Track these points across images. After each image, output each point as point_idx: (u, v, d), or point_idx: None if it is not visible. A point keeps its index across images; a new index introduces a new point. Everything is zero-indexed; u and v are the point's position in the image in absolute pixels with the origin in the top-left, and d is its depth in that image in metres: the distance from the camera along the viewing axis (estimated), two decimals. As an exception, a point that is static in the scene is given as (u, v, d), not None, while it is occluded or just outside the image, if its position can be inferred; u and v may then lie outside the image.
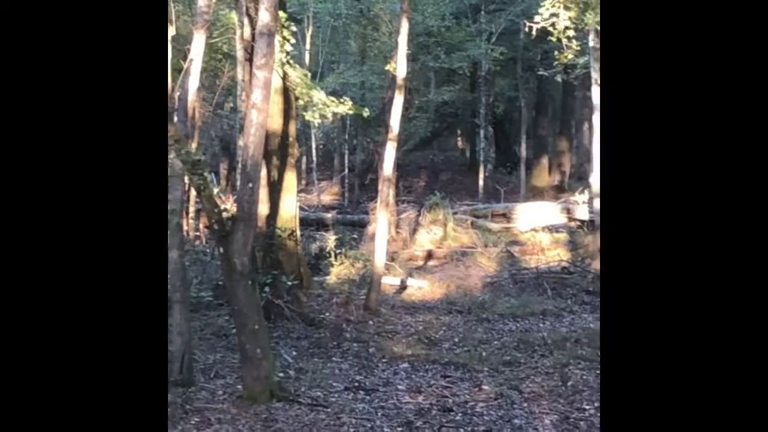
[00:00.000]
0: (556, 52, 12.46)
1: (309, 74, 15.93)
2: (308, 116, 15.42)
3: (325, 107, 14.86)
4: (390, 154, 15.51)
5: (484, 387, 10.65)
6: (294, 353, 11.72)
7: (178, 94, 10.25)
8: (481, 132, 30.21)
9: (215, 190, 10.18)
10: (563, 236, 21.88)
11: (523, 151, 30.22)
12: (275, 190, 15.18)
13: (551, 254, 19.96)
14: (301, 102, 15.40)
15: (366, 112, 15.97)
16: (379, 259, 15.37)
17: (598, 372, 9.90)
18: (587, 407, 9.64)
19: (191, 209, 20.30)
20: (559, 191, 29.43)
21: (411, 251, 21.00)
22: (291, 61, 14.88)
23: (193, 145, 10.39)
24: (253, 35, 11.29)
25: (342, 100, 15.13)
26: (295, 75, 14.75)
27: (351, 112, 15.75)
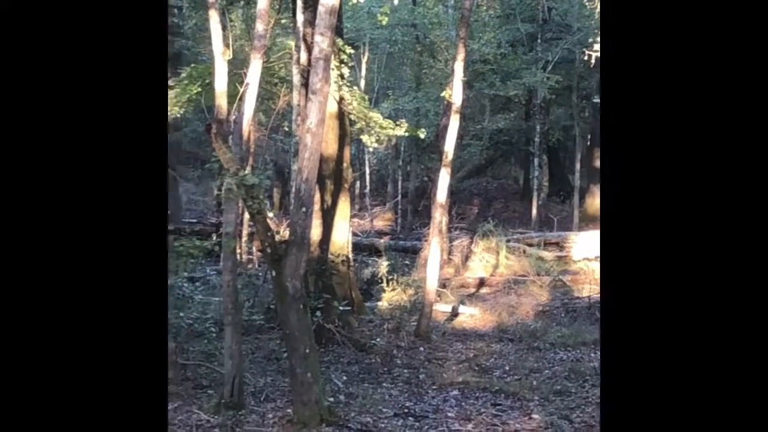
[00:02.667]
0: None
1: (366, 97, 15.98)
2: (365, 139, 15.46)
3: (382, 130, 14.88)
4: (444, 180, 15.49)
5: (535, 416, 10.58)
6: (344, 378, 11.72)
7: (233, 118, 10.32)
8: (535, 160, 30.12)
9: (269, 214, 10.23)
10: (616, 266, 21.66)
11: (577, 180, 30.07)
12: (328, 214, 15.22)
13: (604, 284, 19.72)
14: (358, 125, 15.45)
15: (422, 134, 15.99)
16: (431, 286, 15.34)
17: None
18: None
19: (244, 232, 20.38)
20: (612, 220, 29.19)
21: (463, 278, 20.91)
22: (348, 84, 14.94)
23: (248, 169, 10.44)
24: (309, 60, 11.34)
25: (398, 123, 15.15)
26: (352, 97, 14.79)
27: (407, 134, 15.76)
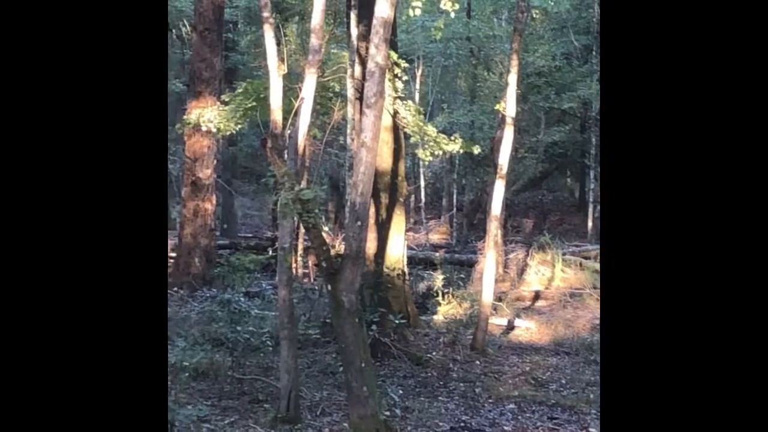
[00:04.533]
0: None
1: (421, 109, 15.96)
2: (420, 153, 15.45)
3: (436, 144, 14.85)
4: (499, 192, 15.45)
5: (592, 430, 10.52)
6: (400, 392, 11.69)
7: (288, 132, 10.36)
8: (591, 173, 29.97)
9: (324, 228, 10.25)
10: (673, 278, 21.44)
11: (633, 192, 29.81)
12: (383, 228, 15.22)
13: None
14: (413, 139, 15.44)
15: (477, 149, 15.93)
16: (487, 299, 15.29)
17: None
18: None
19: (300, 246, 20.44)
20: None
21: (519, 292, 20.83)
22: (402, 96, 14.94)
23: (303, 183, 10.48)
24: (363, 74, 11.37)
25: (453, 138, 15.11)
26: (407, 111, 14.79)
27: (462, 150, 15.72)
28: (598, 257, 23.10)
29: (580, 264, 22.41)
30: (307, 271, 21.31)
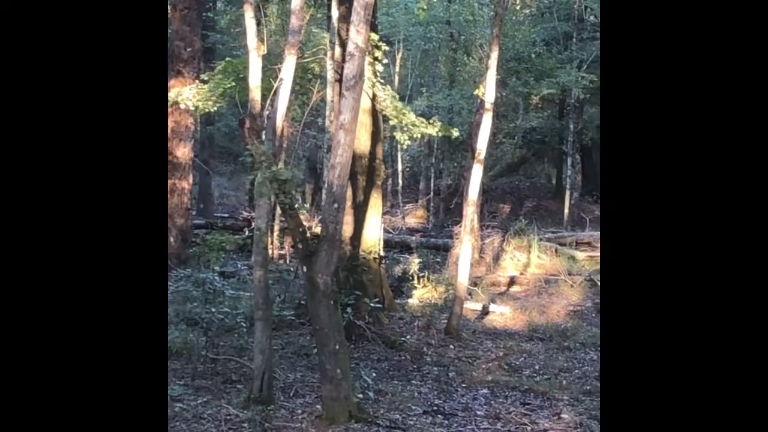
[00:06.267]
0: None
1: (397, 96, 15.92)
2: (398, 136, 15.41)
3: (414, 128, 14.82)
4: (476, 177, 15.45)
5: (564, 416, 10.54)
6: (374, 375, 11.70)
7: (267, 113, 10.33)
8: (569, 159, 30.01)
9: (301, 210, 10.23)
10: (648, 266, 21.48)
11: (610, 180, 29.83)
12: (360, 211, 15.21)
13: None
14: (390, 123, 15.41)
15: (455, 133, 15.91)
16: (462, 284, 15.30)
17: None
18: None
19: (276, 227, 20.40)
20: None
21: (494, 277, 20.87)
22: (381, 81, 14.91)
23: (281, 164, 10.45)
24: (343, 56, 11.34)
25: (431, 122, 15.08)
26: (385, 95, 14.77)
27: (440, 133, 15.70)
28: (574, 244, 23.23)
29: (556, 250, 22.50)
30: (283, 252, 21.27)
